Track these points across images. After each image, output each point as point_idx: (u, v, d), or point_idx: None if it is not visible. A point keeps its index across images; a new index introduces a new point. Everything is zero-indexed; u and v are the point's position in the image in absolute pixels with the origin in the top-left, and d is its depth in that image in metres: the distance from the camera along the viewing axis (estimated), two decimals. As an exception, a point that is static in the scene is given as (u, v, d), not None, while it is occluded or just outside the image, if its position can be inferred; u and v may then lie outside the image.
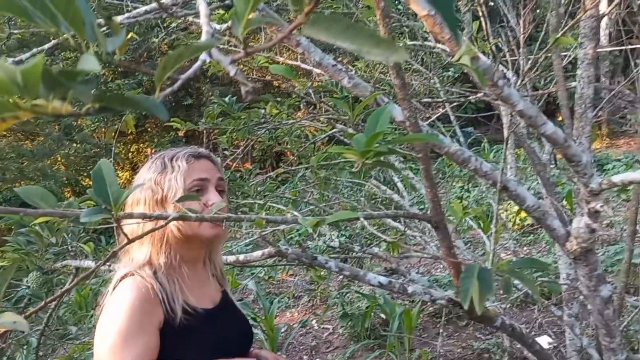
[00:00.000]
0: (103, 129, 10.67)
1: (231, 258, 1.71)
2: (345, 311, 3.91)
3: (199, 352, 1.20)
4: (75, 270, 2.09)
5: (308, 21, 0.38)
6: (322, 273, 4.84)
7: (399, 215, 1.26)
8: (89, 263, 2.02)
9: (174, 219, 0.89)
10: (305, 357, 3.99)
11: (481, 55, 1.09)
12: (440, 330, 2.47)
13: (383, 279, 1.60)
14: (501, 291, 1.35)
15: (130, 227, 1.28)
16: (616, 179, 1.17)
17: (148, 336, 1.14)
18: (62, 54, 11.91)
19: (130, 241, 0.78)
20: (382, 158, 0.93)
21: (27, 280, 2.17)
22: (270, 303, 3.56)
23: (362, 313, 3.82)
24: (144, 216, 0.88)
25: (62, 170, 10.48)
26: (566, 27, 1.22)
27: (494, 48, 1.27)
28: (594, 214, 1.32)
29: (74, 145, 10.83)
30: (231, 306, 1.41)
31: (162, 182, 1.23)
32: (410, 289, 1.60)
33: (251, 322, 3.66)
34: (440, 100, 1.99)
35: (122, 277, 1.19)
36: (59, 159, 10.74)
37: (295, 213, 1.97)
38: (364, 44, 0.35)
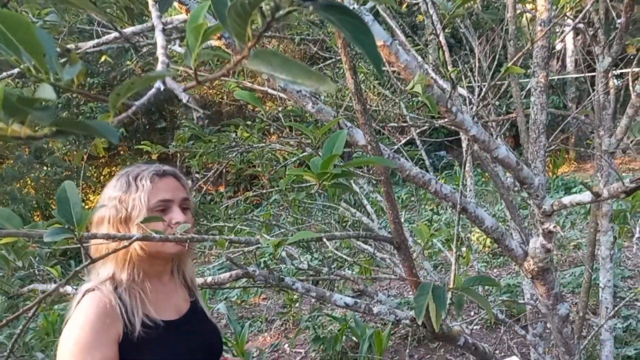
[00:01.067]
0: (74, 152, 10.54)
1: (199, 280, 1.72)
2: (317, 334, 3.90)
3: None
4: (41, 294, 2.07)
5: (251, 55, 0.43)
6: (295, 296, 4.84)
7: (360, 236, 1.30)
8: (53, 286, 2.00)
9: (138, 239, 0.92)
10: (277, 381, 3.96)
11: (439, 81, 1.15)
12: (407, 351, 2.49)
13: (349, 300, 1.63)
14: (453, 309, 1.39)
15: (97, 245, 1.31)
16: (565, 200, 1.23)
17: (106, 349, 1.16)
18: (35, 76, 11.78)
19: (92, 261, 0.80)
20: (343, 180, 0.97)
21: (-9, 305, 2.13)
22: (241, 327, 3.53)
23: (334, 336, 3.82)
24: (107, 237, 0.90)
25: (32, 194, 10.30)
26: (516, 57, 1.29)
27: (453, 76, 1.33)
28: (548, 234, 1.38)
29: (45, 168, 10.67)
30: (199, 316, 1.43)
31: (127, 201, 1.26)
32: (375, 309, 1.63)
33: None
34: (406, 124, 2.06)
35: (85, 292, 1.22)
36: (29, 182, 10.55)
37: (265, 236, 1.99)
38: (297, 76, 0.39)
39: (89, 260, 1.35)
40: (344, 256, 1.47)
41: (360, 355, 3.26)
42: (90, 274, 1.30)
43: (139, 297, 1.25)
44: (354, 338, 3.99)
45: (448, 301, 0.95)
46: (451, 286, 1.34)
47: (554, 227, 1.34)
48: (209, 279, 1.73)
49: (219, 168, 2.84)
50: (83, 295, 1.23)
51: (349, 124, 1.37)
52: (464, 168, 1.37)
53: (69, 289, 1.88)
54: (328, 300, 1.63)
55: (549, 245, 1.42)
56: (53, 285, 2.05)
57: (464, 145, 1.52)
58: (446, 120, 2.38)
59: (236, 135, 2.71)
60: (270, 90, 1.55)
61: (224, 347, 3.62)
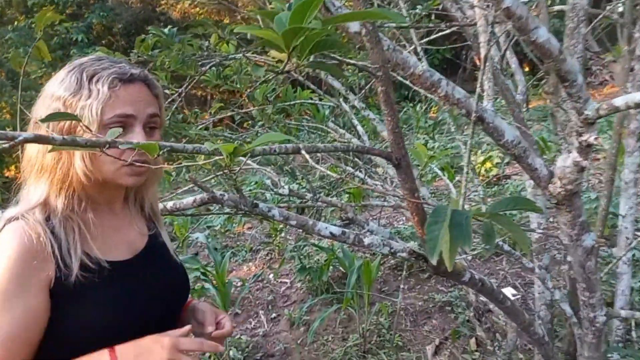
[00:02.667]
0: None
1: (159, 207, 1.44)
2: (303, 265, 3.71)
3: (99, 313, 0.95)
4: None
5: None
6: (280, 226, 4.63)
7: (351, 149, 1.02)
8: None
9: (27, 140, 0.62)
10: (261, 312, 3.80)
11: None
12: (401, 286, 2.29)
13: (335, 230, 1.37)
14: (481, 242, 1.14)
15: (29, 154, 1.01)
16: (619, 101, 0.94)
17: (31, 297, 0.90)
18: None
19: None
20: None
21: None
22: (221, 257, 3.32)
23: (320, 266, 3.63)
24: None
25: (8, 119, 9.84)
26: None
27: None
28: (585, 149, 1.10)
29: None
30: (159, 254, 1.16)
31: (74, 107, 0.95)
32: (367, 241, 1.37)
33: (202, 277, 3.41)
34: (405, 26, 1.72)
35: (7, 222, 0.94)
36: (4, 106, 10.08)
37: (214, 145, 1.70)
38: None
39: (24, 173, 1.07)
40: (333, 174, 1.19)
41: (347, 289, 3.07)
42: (21, 192, 1.00)
43: (77, 231, 0.96)
44: (341, 268, 3.81)
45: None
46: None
47: (595, 138, 1.05)
48: (170, 204, 1.45)
49: (191, 82, 2.49)
50: (4, 225, 0.95)
51: (337, 3, 1.04)
52: (484, 66, 1.07)
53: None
54: (311, 230, 1.36)
55: (584, 162, 1.14)
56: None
57: (481, 38, 1.21)
58: (454, 23, 2.04)
59: (209, 44, 2.36)
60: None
61: (204, 279, 3.37)
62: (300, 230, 4.95)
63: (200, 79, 2.60)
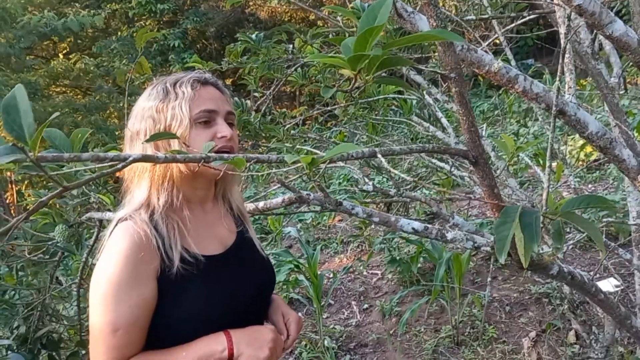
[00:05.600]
0: (153, 78, 10.69)
1: (251, 206, 1.55)
2: (393, 256, 3.75)
3: (199, 303, 1.08)
4: (98, 223, 2.01)
5: None
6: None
7: (426, 150, 1.05)
8: (111, 215, 1.93)
9: (135, 160, 0.73)
10: (353, 302, 3.89)
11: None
12: (488, 279, 2.26)
13: (417, 225, 1.40)
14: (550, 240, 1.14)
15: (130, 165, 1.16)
16: None
17: (143, 287, 1.03)
18: (109, 5, 11.92)
19: (61, 191, 0.62)
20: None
21: (53, 234, 2.10)
22: (313, 250, 3.44)
23: (410, 258, 3.65)
24: (60, 158, 0.71)
25: (116, 123, 10.66)
26: None
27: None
28: (676, 139, 1.06)
29: (128, 98, 10.95)
30: (247, 249, 1.27)
31: (165, 110, 1.11)
32: (449, 235, 1.40)
33: (295, 269, 3.55)
34: (485, 17, 1.71)
35: (118, 222, 1.09)
36: (112, 111, 10.90)
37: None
38: None
39: (126, 184, 1.22)
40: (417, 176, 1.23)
41: (435, 282, 3.07)
42: (126, 197, 1.16)
43: (177, 228, 1.10)
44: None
45: (541, 231, 0.69)
46: (544, 208, 1.07)
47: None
48: (261, 204, 1.56)
49: (277, 85, 2.60)
50: (115, 225, 1.09)
51: (409, 9, 1.08)
52: (563, 58, 1.06)
53: (107, 214, 1.78)
54: (393, 226, 1.41)
55: (676, 153, 1.10)
56: (107, 213, 1.97)
57: (561, 29, 1.19)
58: (538, 10, 1.99)
59: (293, 47, 2.46)
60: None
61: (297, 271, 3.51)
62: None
63: (286, 79, 2.71)
